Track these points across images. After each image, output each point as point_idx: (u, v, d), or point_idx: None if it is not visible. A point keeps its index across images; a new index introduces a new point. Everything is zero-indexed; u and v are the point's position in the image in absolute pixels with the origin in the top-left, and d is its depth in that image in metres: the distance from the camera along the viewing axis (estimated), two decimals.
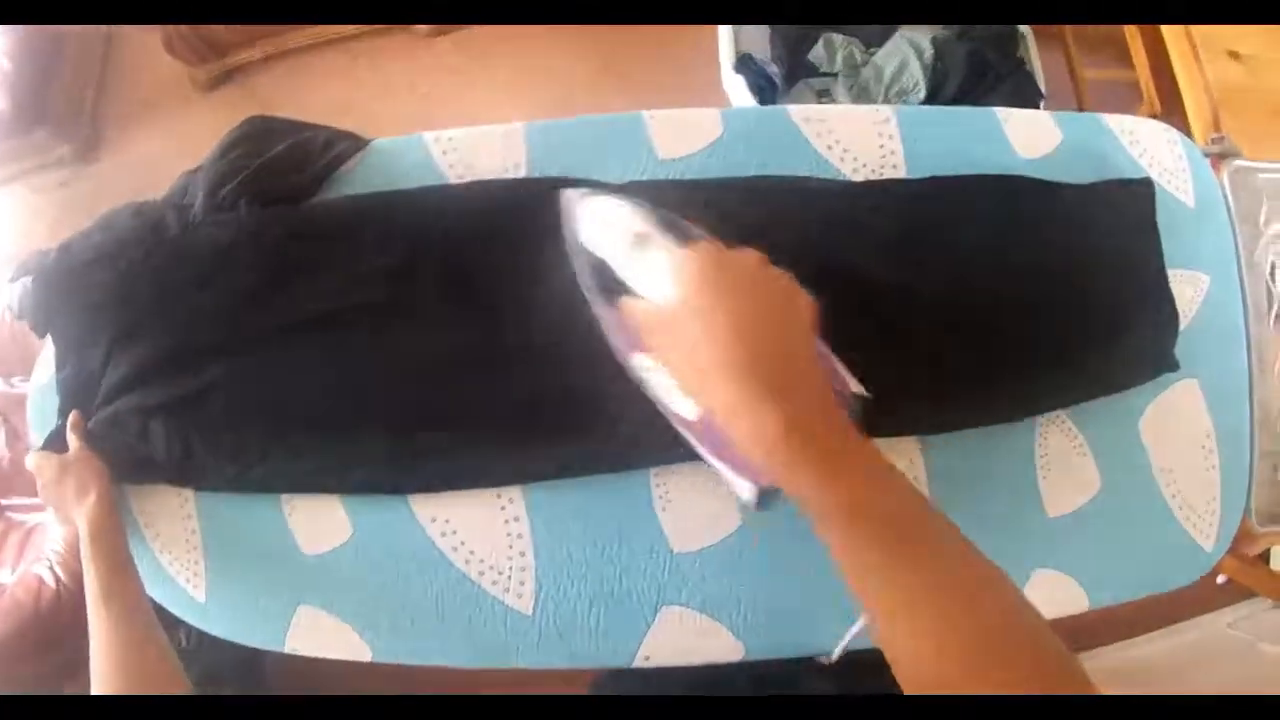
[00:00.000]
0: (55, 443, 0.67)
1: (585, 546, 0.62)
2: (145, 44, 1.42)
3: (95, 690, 0.55)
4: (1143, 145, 0.73)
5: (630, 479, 0.62)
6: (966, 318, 0.65)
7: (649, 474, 0.63)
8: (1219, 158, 0.75)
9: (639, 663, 0.63)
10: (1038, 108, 1.02)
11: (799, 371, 0.40)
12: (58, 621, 0.91)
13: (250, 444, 0.65)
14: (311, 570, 0.64)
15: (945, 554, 0.39)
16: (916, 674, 0.37)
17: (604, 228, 0.49)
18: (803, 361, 0.40)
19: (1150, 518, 0.69)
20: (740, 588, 0.63)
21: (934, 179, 0.66)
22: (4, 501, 0.98)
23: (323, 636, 0.64)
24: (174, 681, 0.56)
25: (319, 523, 0.64)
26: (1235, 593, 1.21)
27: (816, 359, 0.41)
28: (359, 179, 0.65)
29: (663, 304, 0.42)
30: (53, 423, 0.68)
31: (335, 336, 0.64)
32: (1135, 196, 0.71)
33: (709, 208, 0.61)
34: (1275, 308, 0.75)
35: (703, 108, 0.65)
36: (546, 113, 1.38)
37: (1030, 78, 1.03)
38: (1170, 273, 0.71)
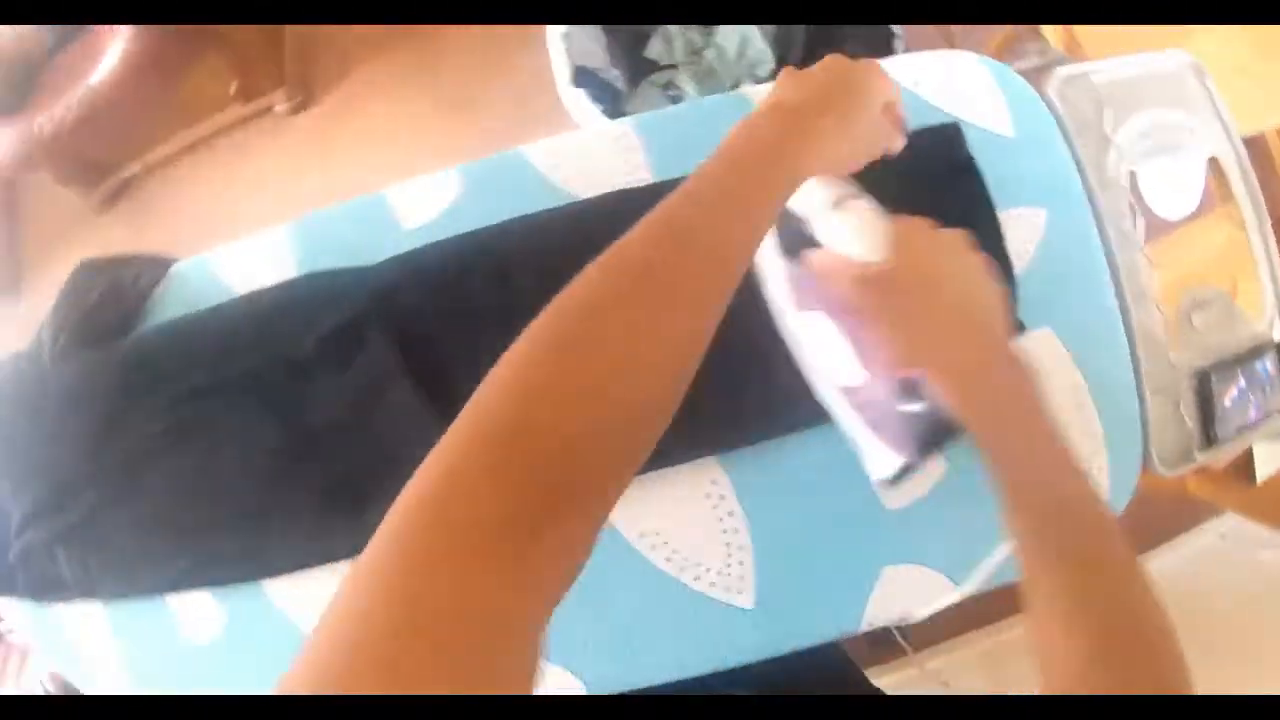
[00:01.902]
0: None
1: None
2: (40, 182, 1.56)
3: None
4: (942, 82, 0.66)
5: None
6: (750, 318, 0.61)
7: None
8: (1041, 71, 0.66)
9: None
10: (893, 51, 0.94)
11: (1006, 329, 0.46)
12: None
13: (130, 554, 0.72)
14: (204, 658, 0.69)
15: (1120, 558, 0.40)
16: (1051, 656, 0.38)
17: (810, 187, 0.51)
18: (1006, 321, 0.47)
19: None
20: (569, 628, 0.62)
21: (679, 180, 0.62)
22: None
23: None
24: None
25: (197, 615, 0.69)
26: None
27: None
28: (166, 305, 0.70)
29: (876, 264, 0.46)
30: None
31: (173, 453, 0.70)
32: (941, 142, 0.65)
33: (438, 271, 0.62)
34: (1141, 222, 0.65)
35: (447, 169, 0.66)
36: (410, 162, 1.41)
37: (889, 35, 0.93)
38: (1003, 213, 0.64)
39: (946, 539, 0.62)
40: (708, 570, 0.61)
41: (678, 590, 0.61)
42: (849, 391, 0.56)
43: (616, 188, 0.63)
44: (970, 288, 0.47)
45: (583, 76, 0.94)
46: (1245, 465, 1.01)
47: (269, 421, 0.67)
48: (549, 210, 0.62)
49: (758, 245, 0.38)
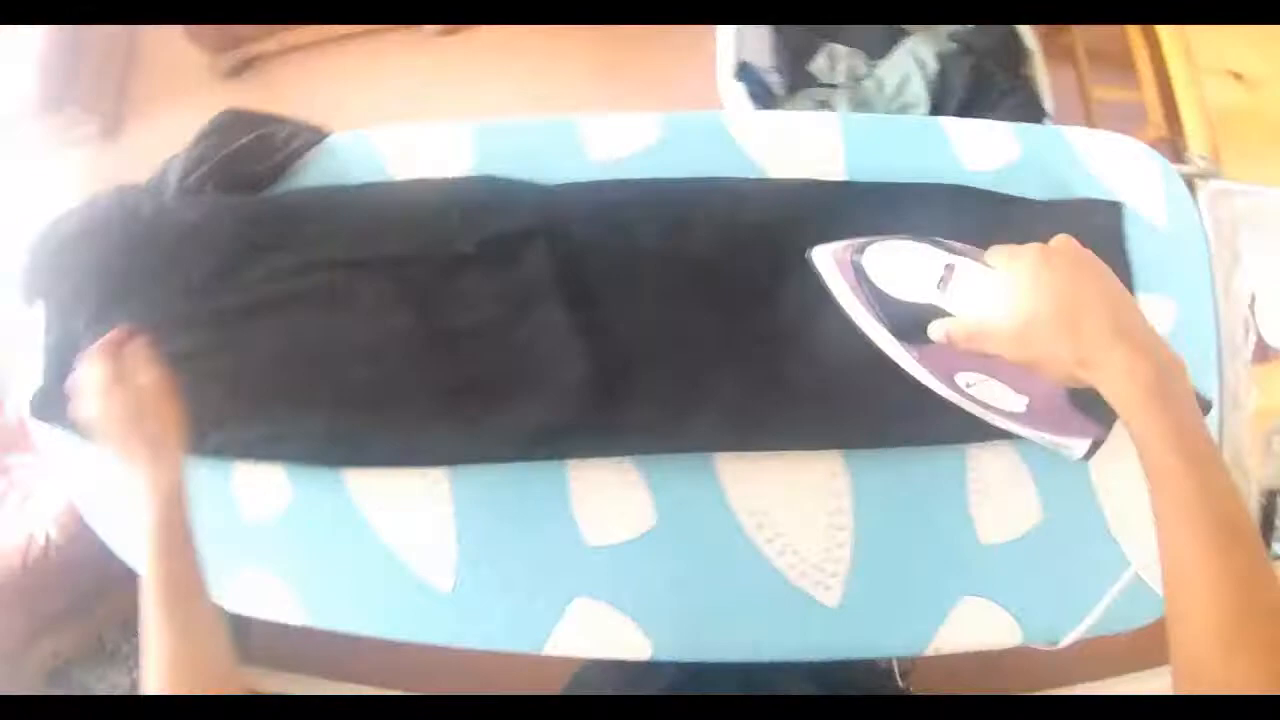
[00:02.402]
0: (38, 404, 0.73)
1: (502, 529, 0.64)
2: (169, 31, 1.51)
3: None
4: (1113, 163, 0.70)
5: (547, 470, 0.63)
6: None
7: (566, 466, 0.64)
8: (1197, 179, 0.71)
9: (548, 651, 0.63)
10: (1042, 119, 0.99)
11: (1146, 328, 0.46)
12: (41, 581, 0.96)
13: (208, 411, 0.69)
14: (256, 533, 0.67)
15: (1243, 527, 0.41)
16: (1185, 632, 0.39)
17: (904, 271, 0.54)
18: (1143, 318, 0.46)
19: (1098, 556, 0.65)
20: (652, 585, 0.63)
21: (870, 184, 0.65)
22: (8, 460, 1.06)
23: (265, 599, 0.66)
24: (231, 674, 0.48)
25: (262, 488, 0.67)
26: None
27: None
28: (315, 172, 0.69)
29: (1000, 314, 0.48)
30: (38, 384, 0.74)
31: (287, 317, 0.68)
32: (1101, 216, 0.69)
33: (624, 209, 0.63)
34: (1251, 340, 0.70)
35: (644, 112, 0.66)
36: (543, 108, 1.39)
37: (1035, 95, 0.99)
38: (1138, 296, 0.68)
39: (1025, 584, 0.64)
40: (804, 561, 0.62)
41: (770, 575, 0.62)
42: (1015, 418, 0.58)
43: (808, 176, 0.64)
44: (1112, 285, 0.48)
45: (745, 71, 0.96)
46: None
47: (406, 309, 0.65)
48: (739, 179, 0.64)
49: None
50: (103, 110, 1.58)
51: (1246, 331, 0.71)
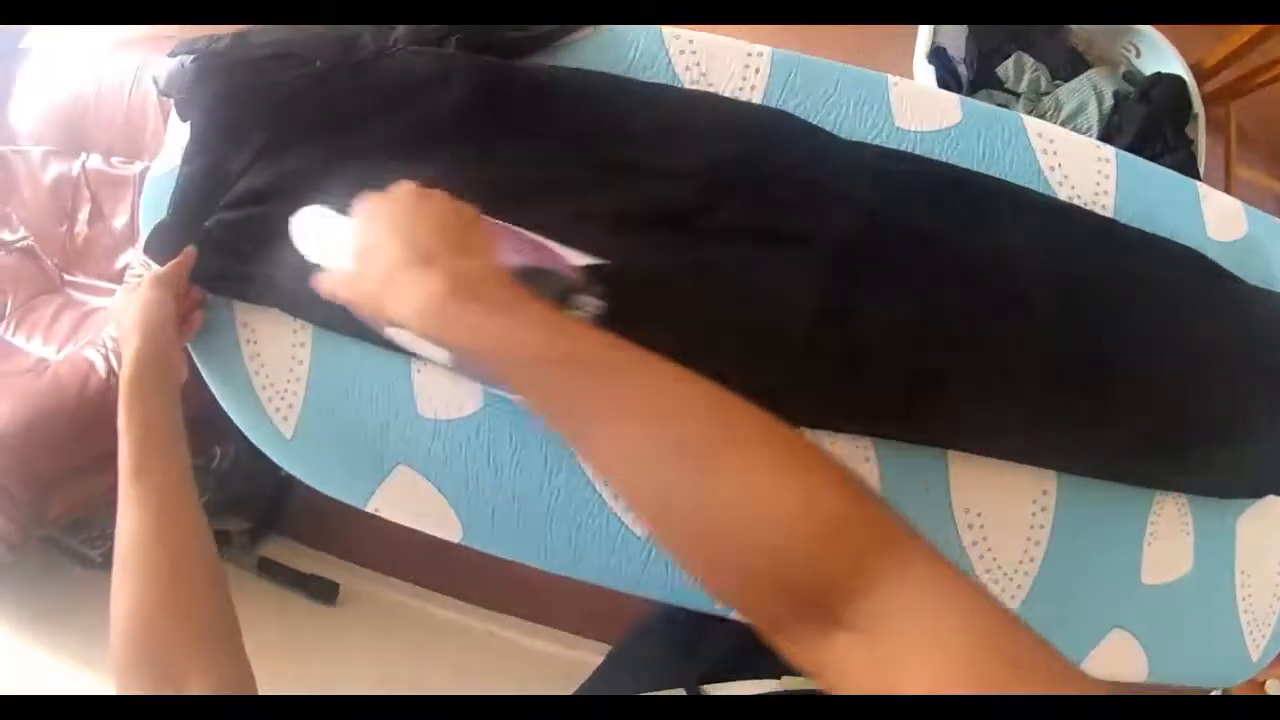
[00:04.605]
0: (157, 239, 0.63)
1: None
2: None
3: (116, 574, 0.48)
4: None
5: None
6: (1121, 373, 0.65)
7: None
8: None
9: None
10: (1198, 174, 1.02)
11: (462, 250, 0.41)
12: (101, 412, 0.85)
13: None
14: (424, 433, 0.62)
15: (638, 366, 0.37)
16: (644, 499, 0.36)
17: (301, 238, 0.53)
18: (466, 244, 0.42)
19: (1220, 614, 0.70)
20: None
21: (1138, 230, 0.65)
22: (68, 278, 0.93)
23: (415, 504, 0.62)
24: (205, 579, 0.50)
25: (446, 390, 0.62)
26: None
27: (482, 245, 0.44)
28: (581, 54, 0.62)
29: (343, 262, 0.45)
30: (163, 214, 0.64)
31: (524, 208, 0.61)
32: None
33: (917, 187, 0.60)
34: None
35: (939, 90, 0.63)
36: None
37: (1193, 158, 1.02)
38: None
39: (1165, 628, 0.68)
40: (998, 565, 0.64)
41: (966, 571, 0.63)
42: (454, 369, 0.59)
43: (1082, 200, 0.63)
44: (409, 221, 0.43)
45: (938, 55, 0.94)
46: None
47: (659, 228, 0.59)
48: (1026, 190, 0.62)
49: None
50: None
51: None
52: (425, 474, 0.62)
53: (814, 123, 0.60)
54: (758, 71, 0.61)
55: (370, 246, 0.43)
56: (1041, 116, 1.00)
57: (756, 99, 0.60)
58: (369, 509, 0.63)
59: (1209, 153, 1.06)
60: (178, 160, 0.66)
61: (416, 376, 0.62)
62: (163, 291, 0.58)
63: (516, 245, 0.51)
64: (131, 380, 0.53)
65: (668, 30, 0.61)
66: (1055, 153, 0.64)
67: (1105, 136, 0.99)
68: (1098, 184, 0.65)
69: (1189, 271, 0.67)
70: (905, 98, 0.62)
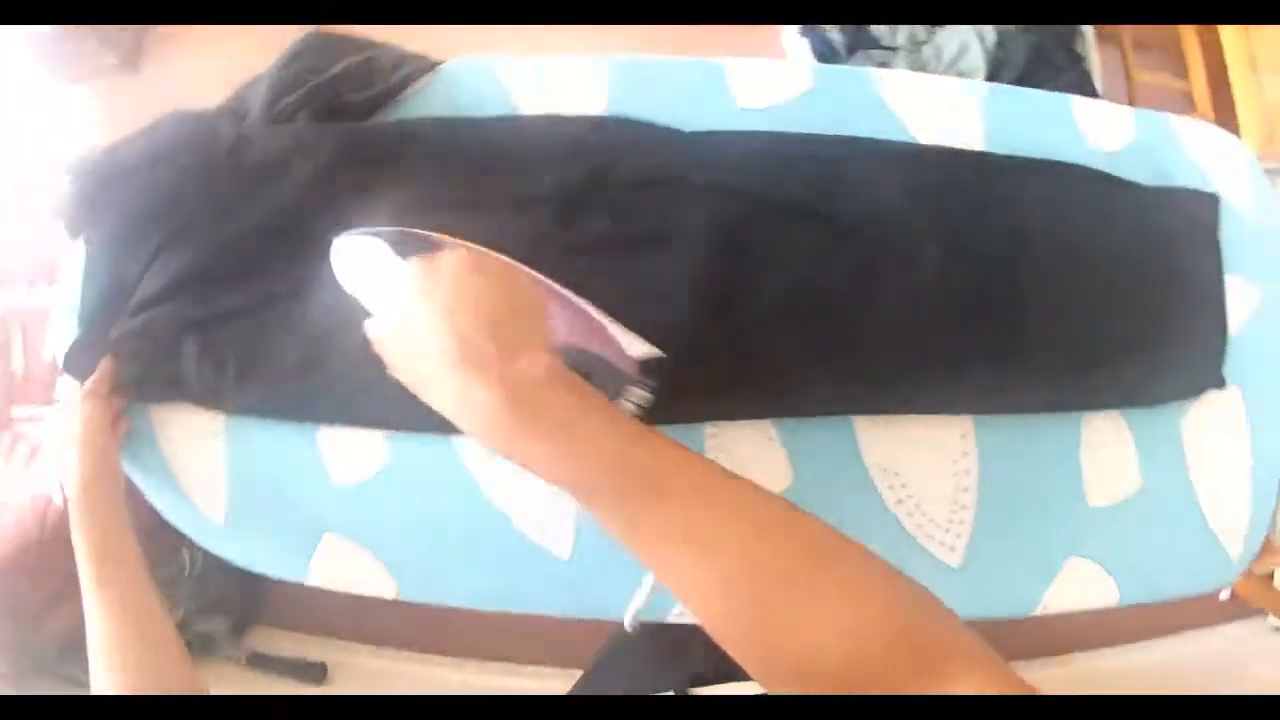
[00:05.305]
0: (74, 357, 0.65)
1: None
2: None
3: (94, 671, 0.51)
4: (1207, 152, 0.73)
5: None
6: (1025, 302, 0.65)
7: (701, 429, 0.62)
8: (1275, 175, 0.75)
9: (673, 618, 0.62)
10: (1095, 93, 1.02)
11: (515, 347, 0.38)
12: (62, 543, 0.87)
13: (287, 368, 0.63)
14: (341, 498, 0.62)
15: (717, 493, 0.37)
16: (723, 627, 0.36)
17: (342, 264, 0.51)
18: (520, 337, 0.39)
19: (1184, 522, 0.69)
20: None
21: (1012, 157, 0.65)
22: (15, 413, 0.96)
23: (347, 568, 0.62)
24: (178, 664, 0.54)
25: (353, 451, 0.63)
26: (1236, 610, 1.23)
27: (537, 334, 0.41)
28: (424, 102, 0.64)
29: (384, 324, 0.43)
30: (75, 332, 0.66)
31: None
32: (1200, 209, 0.71)
33: (772, 162, 0.61)
34: None
35: (782, 63, 0.64)
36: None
37: (1088, 76, 1.02)
38: (1225, 281, 0.71)
39: (1128, 548, 0.67)
40: (930, 522, 0.63)
41: (898, 533, 0.62)
42: None
43: (949, 143, 0.64)
44: (456, 302, 0.40)
45: (809, 29, 0.95)
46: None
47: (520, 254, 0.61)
48: (885, 142, 0.63)
49: None
50: (123, 43, 1.44)
51: None
52: (351, 537, 0.62)
53: (661, 122, 0.61)
54: (596, 83, 0.62)
55: (419, 321, 0.40)
56: (923, 66, 1.01)
57: (599, 110, 0.61)
58: (308, 582, 0.64)
59: (1106, 66, 1.06)
60: (80, 277, 0.68)
61: (324, 446, 0.63)
62: (89, 405, 0.60)
63: (570, 321, 0.49)
64: (78, 496, 0.56)
65: (501, 62, 0.63)
66: (912, 100, 0.65)
67: (993, 74, 1.00)
68: (962, 122, 0.66)
69: (1075, 187, 0.67)
70: (747, 78, 0.63)
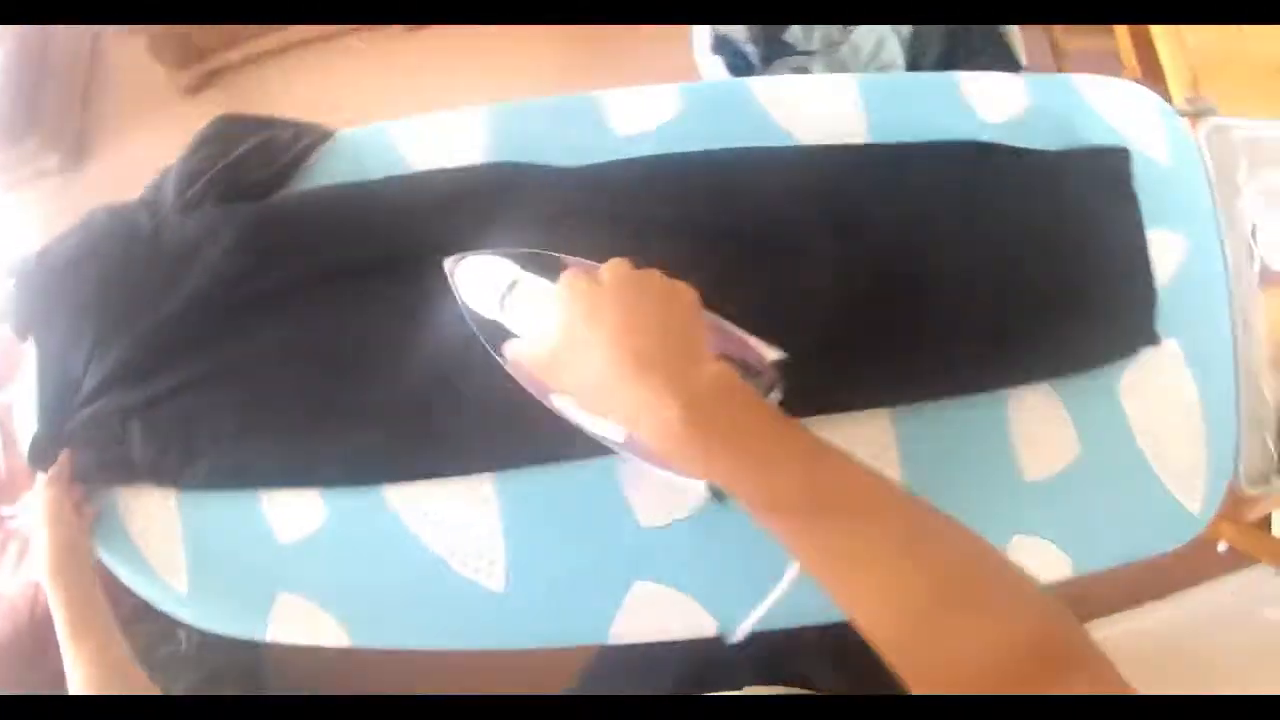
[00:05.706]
0: (36, 450, 0.68)
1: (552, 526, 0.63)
2: (129, 50, 1.45)
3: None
4: (1115, 106, 0.72)
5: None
6: (931, 287, 0.64)
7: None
8: (1194, 117, 0.74)
9: (613, 640, 0.63)
10: (1019, 67, 1.01)
11: (688, 359, 0.39)
12: (52, 631, 0.92)
13: (221, 440, 0.66)
14: (289, 557, 0.65)
15: (885, 509, 0.39)
16: (884, 636, 0.37)
17: (478, 286, 0.51)
18: (690, 348, 0.40)
19: (1134, 482, 0.67)
20: (710, 560, 0.62)
21: (894, 145, 0.65)
22: (2, 511, 1.01)
23: (302, 624, 0.64)
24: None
25: (293, 510, 0.65)
26: (1237, 561, 1.19)
27: (703, 344, 0.41)
28: (325, 171, 0.66)
29: (543, 341, 0.43)
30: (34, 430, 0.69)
31: (301, 330, 0.65)
32: (1110, 164, 0.70)
33: (662, 184, 0.62)
34: (1257, 266, 0.73)
35: (660, 84, 0.65)
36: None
37: (1008, 49, 1.01)
38: (1149, 233, 0.70)
39: (1075, 517, 0.66)
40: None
41: None
42: (622, 446, 0.52)
43: (832, 139, 0.64)
44: (626, 318, 0.40)
45: (721, 45, 0.96)
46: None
47: (421, 310, 0.63)
48: (770, 148, 0.63)
49: None
50: (65, 142, 1.53)
51: (1250, 259, 0.74)
52: (301, 593, 0.64)
53: (541, 162, 0.63)
54: (473, 134, 0.64)
55: (586, 336, 0.40)
56: (843, 66, 1.01)
57: (479, 159, 0.63)
58: (268, 640, 0.66)
59: (1030, 39, 1.05)
60: (35, 375, 0.72)
61: (266, 507, 0.65)
62: (54, 489, 0.65)
63: (718, 338, 0.50)
64: (50, 565, 0.63)
65: (392, 124, 0.65)
66: (789, 103, 0.66)
67: (913, 63, 0.99)
68: (843, 117, 0.66)
69: (966, 164, 0.67)
70: (623, 107, 0.64)
